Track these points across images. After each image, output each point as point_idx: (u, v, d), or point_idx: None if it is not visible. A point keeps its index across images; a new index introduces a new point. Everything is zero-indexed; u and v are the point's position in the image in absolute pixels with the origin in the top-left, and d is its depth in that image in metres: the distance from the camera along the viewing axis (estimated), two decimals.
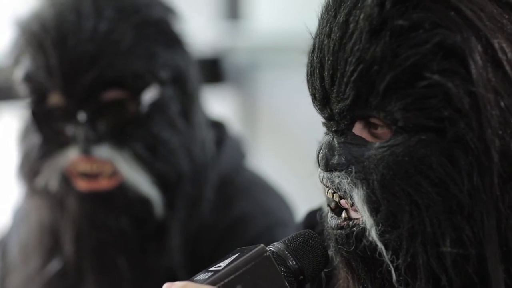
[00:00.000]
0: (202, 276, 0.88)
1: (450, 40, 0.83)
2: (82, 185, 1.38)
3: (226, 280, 0.86)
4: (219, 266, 0.88)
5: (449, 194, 0.84)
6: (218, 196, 1.49)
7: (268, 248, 0.90)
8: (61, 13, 1.36)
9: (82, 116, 1.35)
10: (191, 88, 1.46)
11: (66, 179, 1.39)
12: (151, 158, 1.39)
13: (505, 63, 0.84)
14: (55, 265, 1.45)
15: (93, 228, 1.40)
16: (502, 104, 0.83)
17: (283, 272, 0.89)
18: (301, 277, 0.91)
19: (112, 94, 1.37)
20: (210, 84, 3.10)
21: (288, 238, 0.93)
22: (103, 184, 1.38)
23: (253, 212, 1.49)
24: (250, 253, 0.88)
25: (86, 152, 1.36)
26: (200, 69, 1.52)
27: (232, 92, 3.16)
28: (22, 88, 1.40)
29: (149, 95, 1.39)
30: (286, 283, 0.88)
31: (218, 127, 1.56)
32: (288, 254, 0.91)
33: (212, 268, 0.89)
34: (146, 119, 1.39)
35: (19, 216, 1.58)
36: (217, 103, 3.01)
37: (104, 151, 1.37)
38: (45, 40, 1.35)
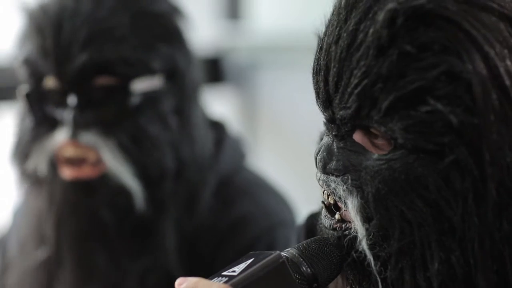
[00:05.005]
0: (215, 280, 0.87)
1: (458, 67, 0.82)
2: (67, 173, 1.40)
3: (241, 285, 0.85)
4: (234, 271, 0.87)
5: (442, 216, 0.83)
6: (217, 196, 1.49)
7: (282, 253, 0.89)
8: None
9: (72, 99, 1.37)
10: (188, 86, 1.46)
11: (54, 165, 1.41)
12: (135, 150, 1.39)
13: (510, 90, 0.82)
14: (41, 254, 1.47)
15: (74, 217, 1.41)
16: (504, 132, 0.82)
17: (297, 279, 0.88)
18: (315, 284, 0.89)
19: (103, 80, 1.38)
20: (210, 84, 3.10)
21: (303, 244, 0.92)
22: (86, 171, 1.39)
23: (254, 212, 1.48)
24: (266, 259, 0.87)
25: (73, 136, 1.37)
26: (201, 69, 1.52)
27: (232, 92, 3.15)
28: (21, 72, 1.44)
29: (141, 85, 1.39)
30: None
31: (217, 127, 1.56)
32: (303, 261, 0.90)
33: (225, 273, 0.88)
34: (135, 111, 1.39)
35: (20, 213, 1.58)
36: (217, 103, 3.01)
37: (89, 137, 1.38)
38: (45, 24, 1.39)
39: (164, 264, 1.44)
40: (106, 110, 1.38)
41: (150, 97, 1.40)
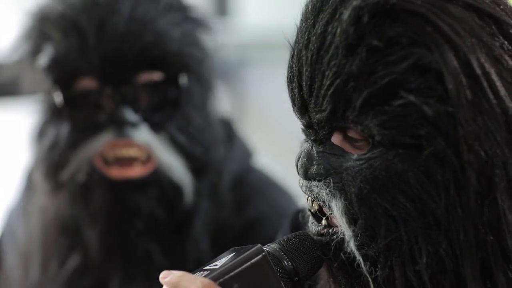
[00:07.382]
0: (198, 274, 0.87)
1: (427, 58, 0.82)
2: (114, 173, 1.35)
3: (223, 279, 0.86)
4: (215, 265, 0.88)
5: (426, 209, 0.84)
6: (233, 195, 1.47)
7: (264, 248, 0.90)
8: None
9: (118, 98, 1.33)
10: (207, 84, 1.46)
11: (94, 169, 1.35)
12: (186, 142, 1.37)
13: (482, 78, 0.82)
14: (73, 263, 1.41)
15: (125, 218, 1.36)
16: (479, 120, 0.82)
17: (279, 272, 0.89)
18: (296, 278, 0.90)
19: (147, 76, 1.35)
20: None
21: (284, 239, 0.92)
22: (137, 171, 1.35)
23: (270, 211, 1.47)
24: (247, 252, 0.88)
25: (124, 135, 1.33)
26: (214, 68, 1.52)
27: (220, 88, 3.16)
28: (42, 77, 1.37)
29: (184, 79, 1.38)
30: (282, 283, 0.88)
31: (226, 125, 1.55)
32: (284, 255, 0.90)
33: (207, 267, 0.88)
34: (182, 103, 1.37)
35: (15, 218, 1.53)
36: None
37: (142, 135, 1.34)
38: (81, 21, 1.33)
39: (194, 252, 1.41)
40: (153, 106, 1.35)
41: (188, 91, 1.39)
